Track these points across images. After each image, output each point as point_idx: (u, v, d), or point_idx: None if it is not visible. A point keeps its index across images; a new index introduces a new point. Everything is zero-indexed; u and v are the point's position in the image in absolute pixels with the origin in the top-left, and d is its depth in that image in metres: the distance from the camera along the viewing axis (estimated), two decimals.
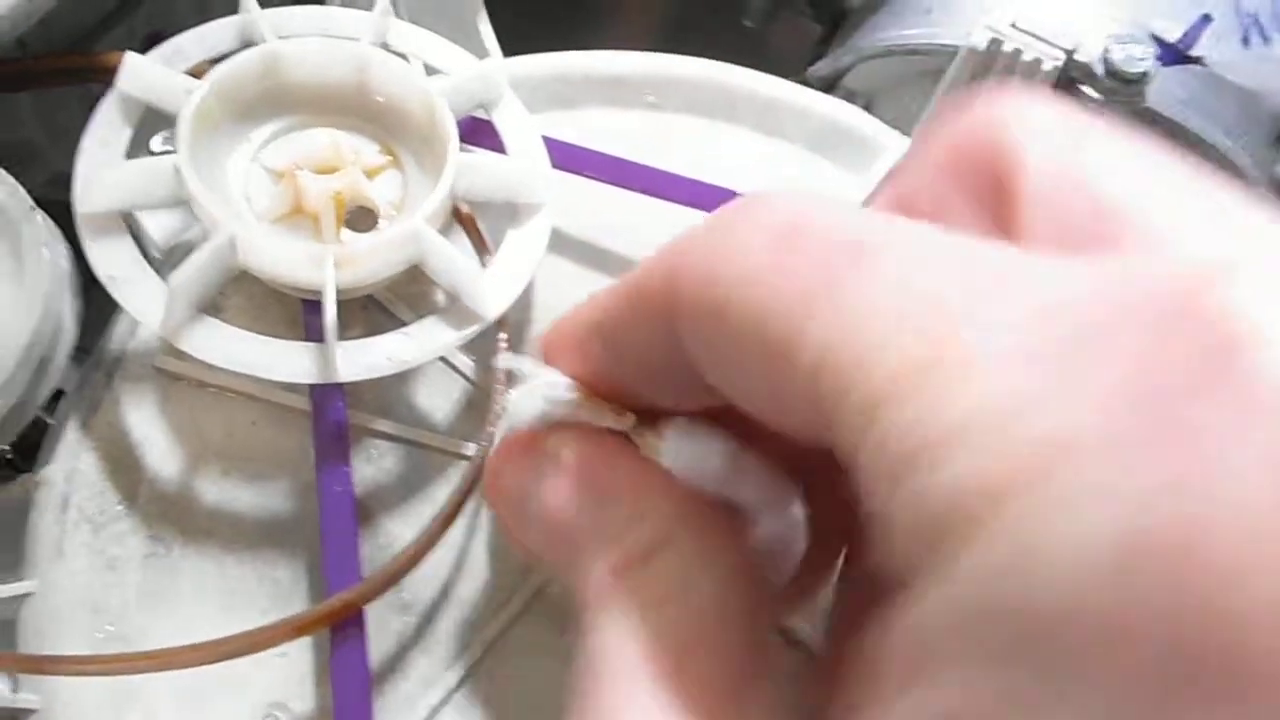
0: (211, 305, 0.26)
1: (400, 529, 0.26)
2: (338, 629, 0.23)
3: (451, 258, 0.25)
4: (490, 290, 0.26)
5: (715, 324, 0.14)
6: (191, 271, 0.23)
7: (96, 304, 0.28)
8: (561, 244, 0.30)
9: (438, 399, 0.28)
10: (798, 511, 0.17)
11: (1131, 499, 0.10)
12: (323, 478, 0.25)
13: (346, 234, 0.26)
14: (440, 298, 0.28)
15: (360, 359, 0.24)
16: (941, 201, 0.15)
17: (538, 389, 0.18)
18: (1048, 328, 0.11)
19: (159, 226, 0.30)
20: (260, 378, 0.25)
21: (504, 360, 0.20)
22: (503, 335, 0.26)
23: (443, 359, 0.28)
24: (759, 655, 0.15)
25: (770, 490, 0.17)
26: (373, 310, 0.28)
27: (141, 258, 0.25)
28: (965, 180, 0.14)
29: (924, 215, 0.14)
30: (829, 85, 0.43)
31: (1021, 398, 0.11)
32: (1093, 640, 0.10)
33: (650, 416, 0.18)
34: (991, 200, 0.14)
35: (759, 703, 0.14)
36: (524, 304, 0.29)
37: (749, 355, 0.14)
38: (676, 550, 0.16)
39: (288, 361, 0.24)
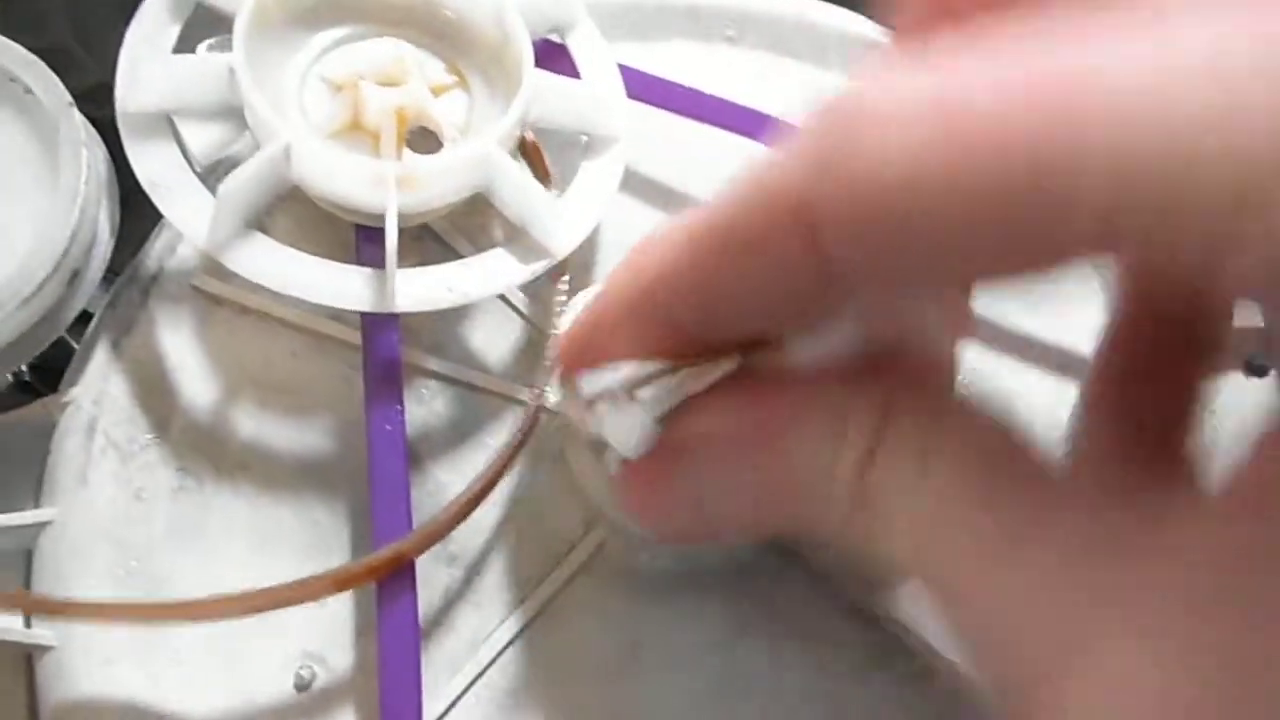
0: (257, 227, 0.24)
1: (450, 477, 0.24)
2: (386, 582, 0.21)
3: (524, 186, 0.23)
4: (562, 224, 0.24)
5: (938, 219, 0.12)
6: (242, 181, 0.21)
7: (128, 226, 0.26)
8: (629, 181, 0.28)
9: (494, 339, 0.26)
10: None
11: None
12: (372, 415, 0.23)
13: (407, 155, 0.24)
14: (499, 233, 0.26)
15: (419, 289, 0.22)
16: None
17: (626, 406, 0.17)
18: None
19: (199, 142, 0.27)
20: (304, 305, 0.23)
21: (564, 401, 0.19)
22: (565, 278, 0.24)
23: (501, 297, 0.26)
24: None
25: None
26: (427, 241, 0.26)
27: (186, 165, 0.23)
28: None
29: None
30: None
31: None
32: None
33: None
34: None
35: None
36: (590, 243, 0.27)
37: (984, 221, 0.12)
38: (894, 413, 0.15)
39: (342, 286, 0.22)
